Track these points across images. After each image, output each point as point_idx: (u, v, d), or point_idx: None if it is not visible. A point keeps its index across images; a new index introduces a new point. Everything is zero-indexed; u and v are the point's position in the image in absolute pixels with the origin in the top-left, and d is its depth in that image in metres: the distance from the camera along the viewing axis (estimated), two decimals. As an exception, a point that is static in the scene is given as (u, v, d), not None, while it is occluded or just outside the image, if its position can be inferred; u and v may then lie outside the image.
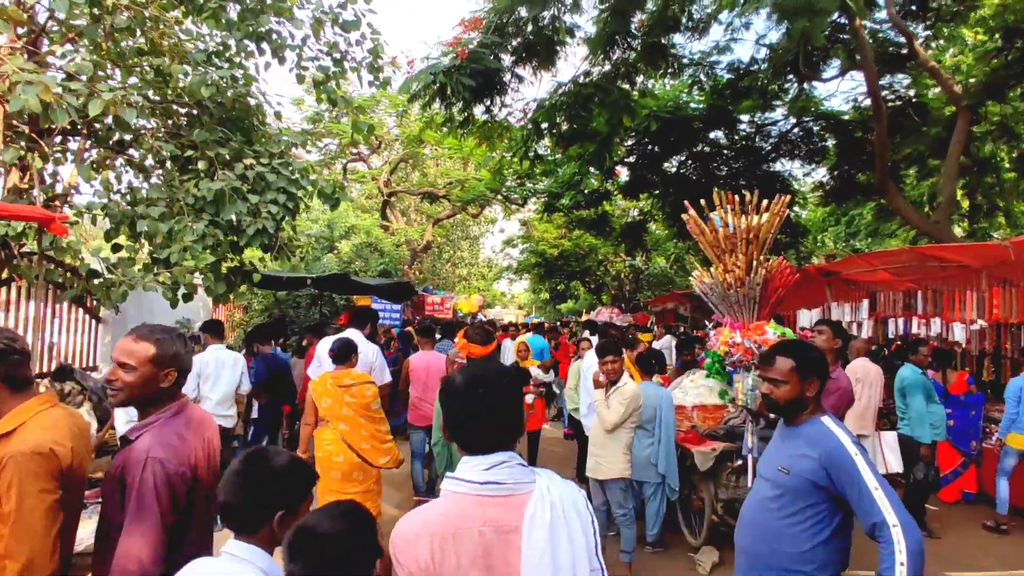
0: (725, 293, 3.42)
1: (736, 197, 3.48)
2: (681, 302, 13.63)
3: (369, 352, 4.75)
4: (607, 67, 7.68)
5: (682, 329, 14.40)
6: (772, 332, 3.28)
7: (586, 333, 7.12)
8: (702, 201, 3.63)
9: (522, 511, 1.24)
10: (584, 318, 25.30)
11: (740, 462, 4.04)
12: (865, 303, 7.55)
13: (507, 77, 6.94)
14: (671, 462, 4.16)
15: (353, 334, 4.74)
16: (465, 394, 1.33)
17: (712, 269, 3.52)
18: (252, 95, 5.55)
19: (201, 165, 5.10)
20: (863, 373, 5.00)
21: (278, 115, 6.56)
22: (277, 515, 1.42)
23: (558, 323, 20.34)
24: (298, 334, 7.64)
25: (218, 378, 4.82)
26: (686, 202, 3.73)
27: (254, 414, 5.25)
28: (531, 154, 8.79)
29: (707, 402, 4.52)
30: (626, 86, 8.74)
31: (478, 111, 7.35)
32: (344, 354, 4.07)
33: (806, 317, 8.48)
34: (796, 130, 12.66)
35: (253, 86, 5.52)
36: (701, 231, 3.59)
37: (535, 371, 6.08)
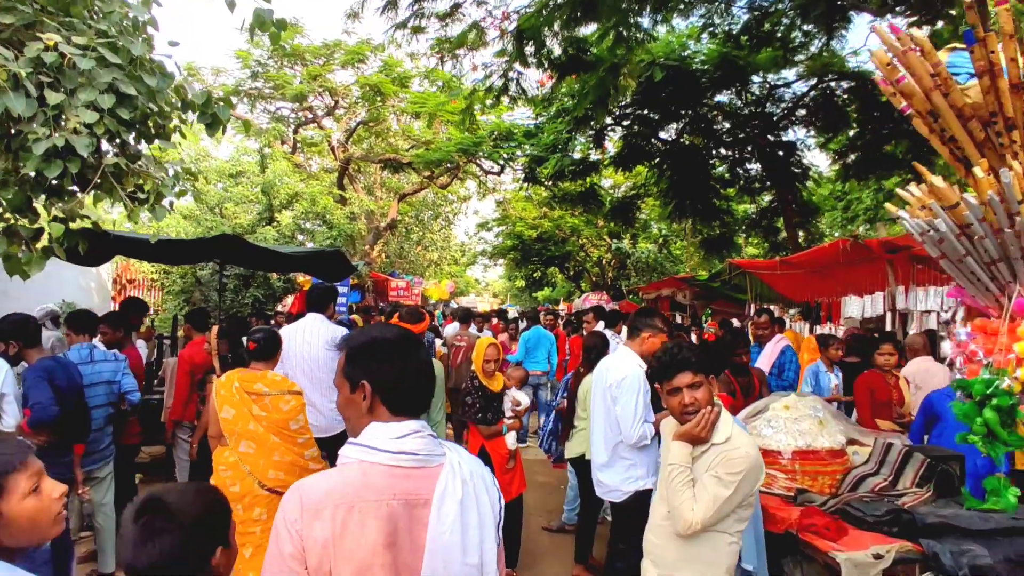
0: (1016, 233, 1.47)
1: None
2: (679, 288, 11.86)
3: (338, 336, 3.68)
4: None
5: (691, 320, 12.67)
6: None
7: (600, 325, 4.85)
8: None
9: (433, 484, 1.17)
10: (563, 307, 23.54)
11: None
12: (944, 289, 5.80)
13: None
14: (759, 553, 2.32)
15: (315, 319, 3.93)
16: (400, 348, 1.23)
17: (970, 177, 1.57)
18: None
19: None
20: (923, 379, 4.25)
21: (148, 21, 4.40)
22: (218, 550, 1.18)
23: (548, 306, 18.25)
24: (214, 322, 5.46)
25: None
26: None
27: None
28: (511, 90, 6.76)
29: (816, 444, 2.63)
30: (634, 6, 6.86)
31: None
32: (266, 349, 3.06)
33: (856, 306, 6.74)
34: (813, 93, 11.41)
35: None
36: (918, 77, 1.65)
37: (514, 394, 3.66)
